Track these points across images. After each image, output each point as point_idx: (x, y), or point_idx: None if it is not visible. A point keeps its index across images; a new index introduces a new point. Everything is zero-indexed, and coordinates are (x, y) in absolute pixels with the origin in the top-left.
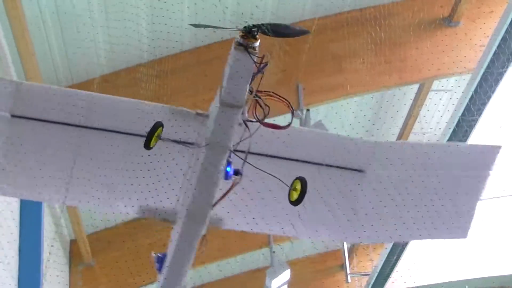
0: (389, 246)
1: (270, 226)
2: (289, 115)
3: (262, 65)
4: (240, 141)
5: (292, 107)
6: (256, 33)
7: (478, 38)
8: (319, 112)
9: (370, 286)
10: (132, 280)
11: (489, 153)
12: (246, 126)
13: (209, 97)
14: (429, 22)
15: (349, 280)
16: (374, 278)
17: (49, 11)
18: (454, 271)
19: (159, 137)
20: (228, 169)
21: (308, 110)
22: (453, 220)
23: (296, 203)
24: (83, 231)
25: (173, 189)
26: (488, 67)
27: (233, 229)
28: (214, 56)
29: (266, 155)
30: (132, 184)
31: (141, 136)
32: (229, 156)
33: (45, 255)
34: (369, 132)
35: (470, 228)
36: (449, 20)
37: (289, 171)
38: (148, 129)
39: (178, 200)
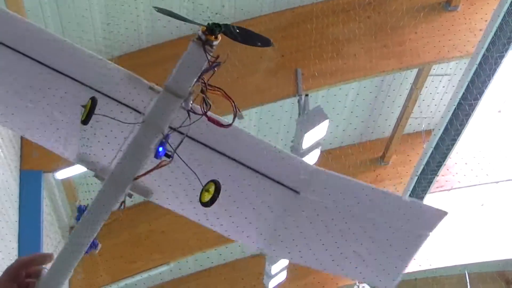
0: None
1: (187, 211)
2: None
3: (214, 63)
4: (180, 126)
5: (236, 108)
6: (218, 33)
7: (477, 22)
8: (318, 97)
9: None
10: (131, 266)
11: (433, 215)
12: (189, 115)
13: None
14: (428, 6)
15: None
16: None
17: None
18: (452, 255)
19: (92, 112)
20: (160, 149)
21: (307, 95)
22: (379, 269)
23: (204, 205)
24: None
25: (112, 149)
26: (487, 51)
27: (159, 204)
28: None
29: (205, 145)
30: (76, 132)
31: (96, 90)
32: (165, 138)
33: (44, 242)
34: (370, 117)
35: (395, 282)
36: (448, 4)
37: (224, 168)
38: (104, 85)
39: (112, 162)
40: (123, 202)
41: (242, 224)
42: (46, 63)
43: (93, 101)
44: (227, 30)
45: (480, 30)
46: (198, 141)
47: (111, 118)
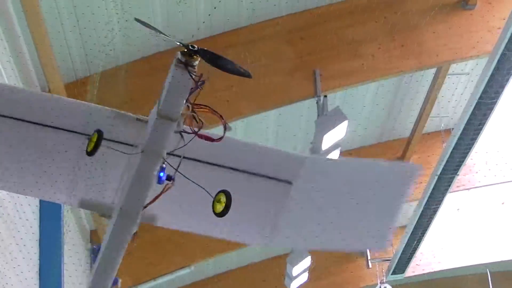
0: (409, 231)
1: (197, 227)
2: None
3: (199, 82)
4: (175, 149)
5: (225, 121)
6: (195, 54)
7: (495, 21)
8: (336, 98)
9: (391, 271)
10: (153, 269)
11: (410, 171)
12: (182, 136)
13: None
14: (445, 5)
15: (370, 266)
16: (395, 263)
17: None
18: (474, 254)
19: (99, 144)
20: (161, 174)
21: (325, 96)
22: (371, 234)
23: (219, 215)
24: (103, 221)
25: (112, 186)
26: (505, 49)
27: (166, 227)
28: (228, 44)
29: (201, 161)
30: (74, 179)
31: (85, 135)
32: (163, 163)
33: (66, 245)
34: (389, 117)
35: (389, 241)
36: (465, 3)
37: (221, 177)
38: (91, 128)
39: (114, 199)
40: (135, 232)
41: (241, 225)
42: (34, 121)
43: (99, 133)
44: (202, 55)
45: (498, 28)
46: (192, 159)
47: (115, 150)
